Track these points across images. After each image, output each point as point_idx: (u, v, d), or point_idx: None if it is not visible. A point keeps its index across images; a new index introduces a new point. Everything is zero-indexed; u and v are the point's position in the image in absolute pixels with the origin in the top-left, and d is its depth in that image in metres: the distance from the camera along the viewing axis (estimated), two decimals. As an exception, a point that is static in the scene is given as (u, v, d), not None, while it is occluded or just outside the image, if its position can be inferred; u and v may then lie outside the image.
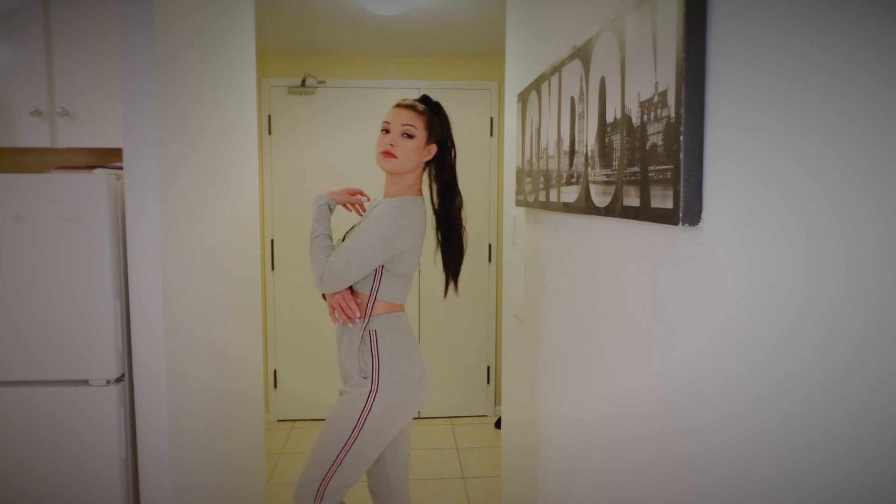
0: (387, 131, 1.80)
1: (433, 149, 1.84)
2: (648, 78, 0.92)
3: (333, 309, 1.79)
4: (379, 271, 1.77)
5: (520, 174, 1.94)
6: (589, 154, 1.20)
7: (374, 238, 1.72)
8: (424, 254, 1.90)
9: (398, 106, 1.82)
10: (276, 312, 3.83)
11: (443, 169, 1.87)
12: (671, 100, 0.84)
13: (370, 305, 1.78)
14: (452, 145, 1.88)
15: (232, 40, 2.16)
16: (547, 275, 1.71)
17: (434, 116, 1.84)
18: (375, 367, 1.75)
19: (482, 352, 4.00)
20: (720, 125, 0.78)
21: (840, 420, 0.57)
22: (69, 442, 1.67)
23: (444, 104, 1.92)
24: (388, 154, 1.78)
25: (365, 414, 1.74)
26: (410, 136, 1.78)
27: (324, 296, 1.83)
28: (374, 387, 1.75)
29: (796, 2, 0.63)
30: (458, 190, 1.90)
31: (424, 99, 1.87)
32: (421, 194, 1.86)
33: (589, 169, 1.20)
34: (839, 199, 0.57)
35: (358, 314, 1.76)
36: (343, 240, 1.81)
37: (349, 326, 1.78)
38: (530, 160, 1.76)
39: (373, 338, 1.77)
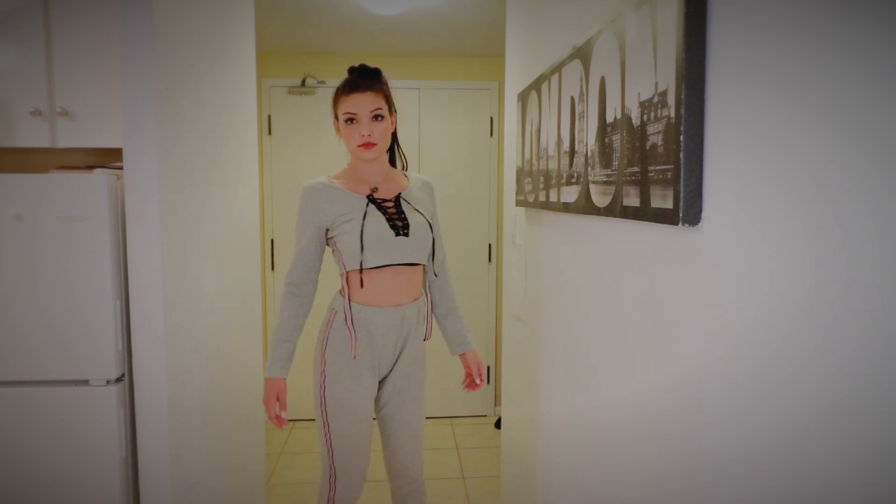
0: (352, 121, 1.74)
1: (394, 118, 1.83)
2: (648, 78, 0.92)
3: None
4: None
5: (520, 174, 1.94)
6: (589, 154, 1.20)
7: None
8: None
9: (354, 91, 1.74)
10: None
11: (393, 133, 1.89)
12: (671, 100, 0.84)
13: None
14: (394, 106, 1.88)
15: (232, 40, 2.16)
16: (547, 275, 1.71)
17: (384, 85, 1.81)
18: (429, 325, 1.93)
19: (482, 352, 4.00)
20: (720, 125, 0.78)
21: (840, 420, 0.57)
22: (69, 442, 1.67)
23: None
24: (369, 145, 1.74)
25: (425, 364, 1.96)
26: (381, 118, 1.76)
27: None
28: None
29: (796, 2, 0.63)
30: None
31: (364, 71, 1.80)
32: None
33: (589, 169, 1.20)
34: (839, 199, 0.57)
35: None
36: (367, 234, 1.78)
37: (415, 303, 1.84)
38: (530, 160, 1.76)
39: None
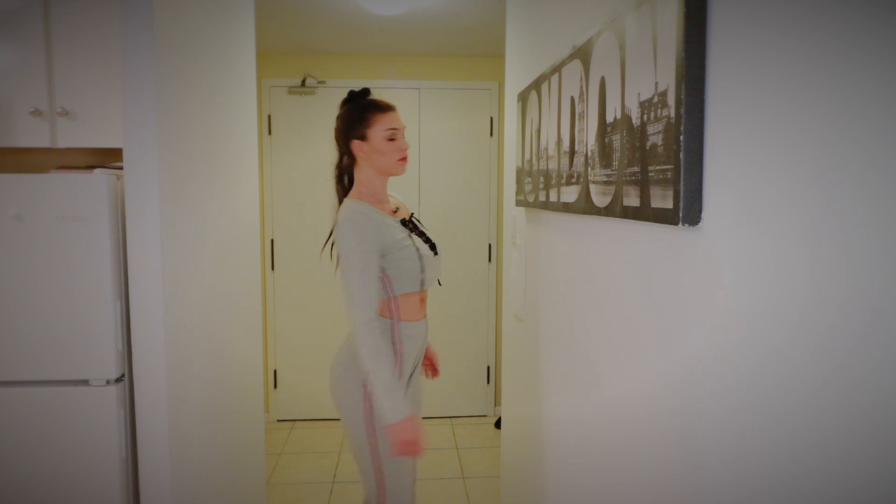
0: (394, 137, 1.77)
1: None
2: (648, 78, 0.92)
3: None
4: None
5: (520, 174, 1.94)
6: (589, 154, 1.20)
7: None
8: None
9: (389, 110, 1.80)
10: (276, 312, 3.83)
11: None
12: (671, 100, 0.84)
13: None
14: None
15: (232, 40, 2.16)
16: (547, 275, 1.71)
17: None
18: None
19: (482, 352, 4.00)
20: (720, 125, 0.78)
21: (840, 420, 0.57)
22: (69, 442, 1.67)
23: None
24: (406, 159, 1.82)
25: None
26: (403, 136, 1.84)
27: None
28: None
29: (796, 2, 0.63)
30: None
31: (366, 94, 1.87)
32: None
33: (589, 169, 1.20)
34: (839, 199, 0.57)
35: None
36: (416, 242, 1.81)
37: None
38: (530, 160, 1.76)
39: None
